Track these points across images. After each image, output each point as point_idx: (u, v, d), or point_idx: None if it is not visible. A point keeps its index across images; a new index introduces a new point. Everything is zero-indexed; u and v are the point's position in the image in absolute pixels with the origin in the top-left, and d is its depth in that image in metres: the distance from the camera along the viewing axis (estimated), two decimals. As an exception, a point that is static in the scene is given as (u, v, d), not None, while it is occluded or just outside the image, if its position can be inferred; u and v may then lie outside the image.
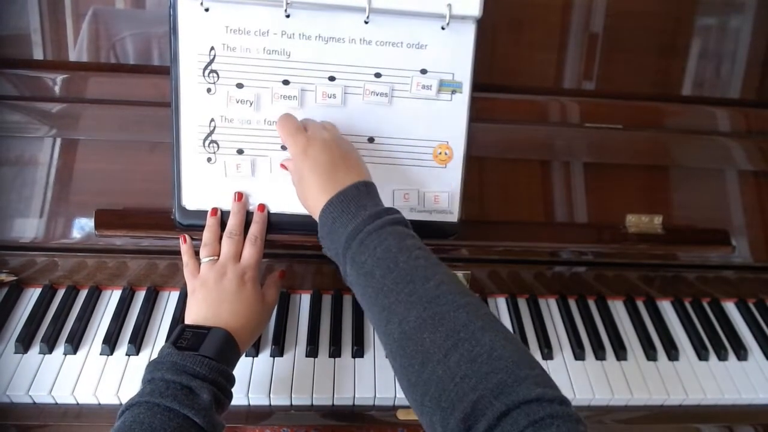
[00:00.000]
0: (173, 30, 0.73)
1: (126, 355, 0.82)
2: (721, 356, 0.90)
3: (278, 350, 0.83)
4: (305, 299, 0.91)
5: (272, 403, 0.79)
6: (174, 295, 0.90)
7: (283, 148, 0.77)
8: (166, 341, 0.65)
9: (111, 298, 0.89)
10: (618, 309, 0.96)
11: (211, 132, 0.76)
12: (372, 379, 0.81)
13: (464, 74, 0.77)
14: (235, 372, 0.66)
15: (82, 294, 0.89)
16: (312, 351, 0.83)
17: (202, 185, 0.78)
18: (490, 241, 0.86)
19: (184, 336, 0.65)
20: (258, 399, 0.78)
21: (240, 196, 0.78)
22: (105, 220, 0.81)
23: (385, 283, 0.57)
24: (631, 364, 0.87)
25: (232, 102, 0.75)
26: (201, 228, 0.77)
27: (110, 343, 0.82)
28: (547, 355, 0.87)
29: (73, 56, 0.82)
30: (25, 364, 0.79)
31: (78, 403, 0.77)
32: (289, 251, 0.86)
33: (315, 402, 0.79)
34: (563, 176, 0.88)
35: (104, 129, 0.81)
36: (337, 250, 0.64)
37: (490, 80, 0.84)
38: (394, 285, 0.57)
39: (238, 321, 0.69)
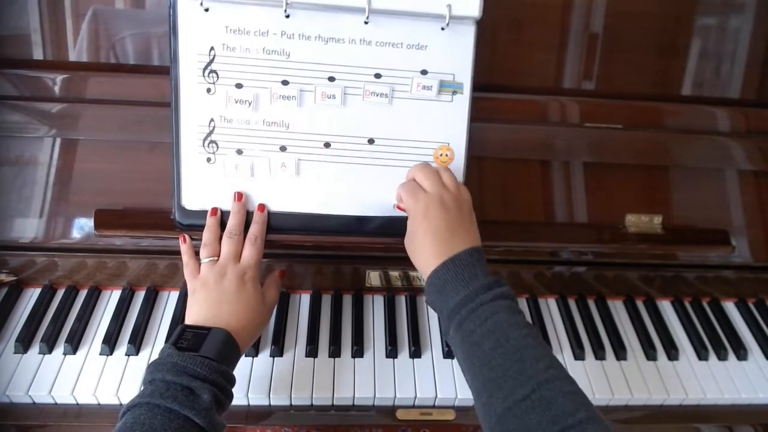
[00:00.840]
0: (173, 30, 0.73)
1: (126, 355, 0.82)
2: (721, 356, 0.90)
3: (278, 350, 0.83)
4: (305, 299, 0.91)
5: (272, 403, 0.79)
6: (174, 295, 0.91)
7: (283, 148, 0.77)
8: (167, 341, 0.65)
9: (111, 298, 0.89)
10: (618, 309, 0.96)
11: (211, 132, 0.76)
12: (372, 379, 0.81)
13: (465, 75, 0.77)
14: (235, 372, 0.67)
15: (82, 294, 0.89)
16: (312, 351, 0.83)
17: (202, 185, 0.78)
18: (490, 241, 0.85)
19: (184, 336, 0.65)
20: (258, 399, 0.79)
21: (240, 196, 0.78)
22: (105, 220, 0.81)
23: (493, 357, 0.59)
24: (630, 364, 0.87)
25: (231, 102, 0.75)
26: (201, 228, 0.77)
27: (110, 343, 0.82)
28: (547, 355, 0.87)
29: (73, 56, 0.82)
30: (25, 364, 0.79)
31: (78, 403, 0.77)
32: (289, 251, 0.87)
33: (315, 402, 0.79)
34: (563, 176, 0.88)
35: (104, 129, 0.81)
36: (442, 310, 0.66)
37: (490, 80, 0.84)
38: (502, 360, 0.58)
39: (239, 321, 0.69)
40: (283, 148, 0.78)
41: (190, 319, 0.69)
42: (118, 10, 0.81)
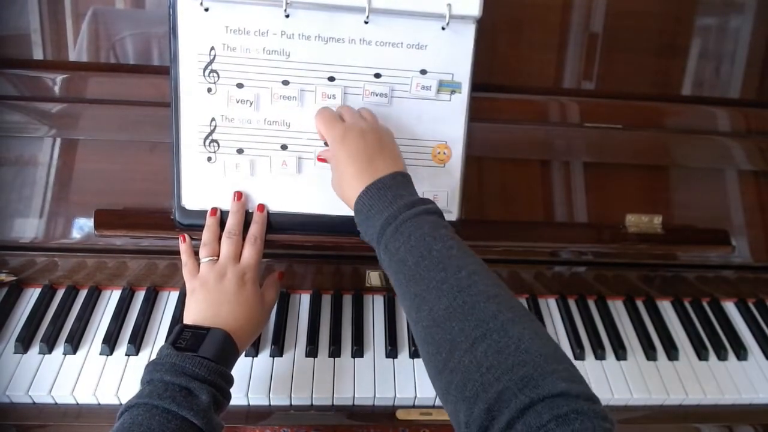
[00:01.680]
0: (173, 30, 0.73)
1: (126, 355, 0.82)
2: (721, 356, 0.90)
3: (278, 350, 0.83)
4: (305, 299, 0.91)
5: (272, 403, 0.79)
6: (174, 295, 0.91)
7: (283, 147, 0.77)
8: (165, 341, 0.65)
9: (111, 298, 0.89)
10: (618, 309, 0.96)
11: (212, 131, 0.77)
12: (372, 379, 0.81)
13: (464, 74, 0.77)
14: (235, 372, 0.67)
15: (82, 294, 0.89)
16: (312, 351, 0.83)
17: (202, 185, 0.78)
18: (490, 240, 0.86)
19: (183, 336, 0.65)
20: (258, 399, 0.79)
21: (239, 196, 0.78)
22: (105, 220, 0.81)
23: (417, 271, 0.58)
24: (630, 364, 0.87)
25: (232, 102, 0.75)
26: (201, 228, 0.77)
27: (110, 343, 0.82)
28: (547, 355, 0.87)
29: (72, 56, 0.82)
30: (25, 364, 0.79)
31: (78, 403, 0.77)
32: (289, 251, 0.86)
33: (315, 402, 0.79)
34: (563, 176, 0.88)
35: (104, 129, 0.81)
36: (372, 236, 0.65)
37: (489, 80, 0.84)
38: (426, 272, 0.57)
39: (238, 321, 0.69)
40: (284, 147, 0.78)
41: (188, 319, 0.69)
42: (118, 10, 0.81)
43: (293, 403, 0.79)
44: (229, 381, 0.65)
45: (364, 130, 0.69)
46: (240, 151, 0.77)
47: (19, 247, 0.84)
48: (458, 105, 0.78)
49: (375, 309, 0.91)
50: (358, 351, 0.84)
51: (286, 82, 0.75)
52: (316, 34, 0.74)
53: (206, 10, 0.72)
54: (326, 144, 0.74)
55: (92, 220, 0.81)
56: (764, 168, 0.91)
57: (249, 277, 0.73)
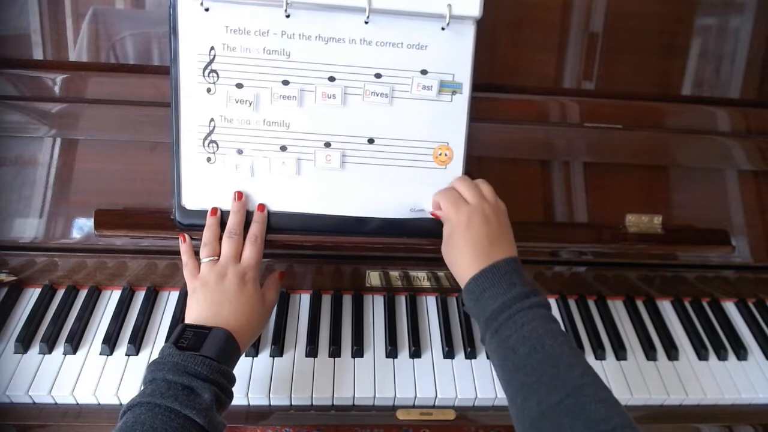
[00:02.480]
0: (173, 30, 0.73)
1: (126, 355, 0.82)
2: (721, 356, 0.90)
3: (278, 350, 0.83)
4: (305, 299, 0.91)
5: (272, 403, 0.79)
6: (174, 295, 0.91)
7: (283, 148, 0.77)
8: (167, 341, 0.65)
9: (111, 298, 0.89)
10: (618, 309, 0.96)
11: (211, 132, 0.76)
12: (372, 379, 0.81)
13: (464, 75, 0.77)
14: (235, 372, 0.67)
15: (82, 294, 0.89)
16: (312, 351, 0.83)
17: (202, 185, 0.78)
18: (490, 241, 0.86)
19: (185, 336, 0.65)
20: (258, 399, 0.79)
21: (240, 196, 0.78)
22: (105, 220, 0.81)
23: (528, 362, 0.61)
24: (630, 364, 0.87)
25: (231, 102, 0.75)
26: (201, 228, 0.77)
27: (110, 343, 0.82)
28: (547, 355, 0.87)
29: (73, 56, 0.82)
30: (25, 364, 0.79)
31: (78, 403, 0.77)
32: (289, 251, 0.86)
33: (315, 402, 0.79)
34: (563, 176, 0.88)
35: (104, 129, 0.81)
36: (480, 317, 0.67)
37: (490, 80, 0.84)
38: (538, 365, 0.60)
39: (239, 321, 0.69)
40: (283, 148, 0.78)
41: (190, 319, 0.69)
42: (118, 10, 0.81)
43: (293, 403, 0.79)
44: (231, 380, 0.65)
45: (488, 217, 0.71)
46: (239, 151, 0.77)
47: (19, 247, 0.84)
48: (459, 105, 0.78)
49: (375, 309, 0.91)
50: (358, 351, 0.84)
51: (286, 82, 0.75)
52: (316, 34, 0.74)
53: (206, 10, 0.72)
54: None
55: (92, 220, 0.81)
56: (764, 168, 0.91)
57: (250, 277, 0.73)
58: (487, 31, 0.80)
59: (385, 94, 0.77)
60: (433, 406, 0.81)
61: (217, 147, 0.77)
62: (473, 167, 0.83)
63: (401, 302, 0.93)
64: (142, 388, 0.61)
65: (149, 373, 0.61)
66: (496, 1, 0.77)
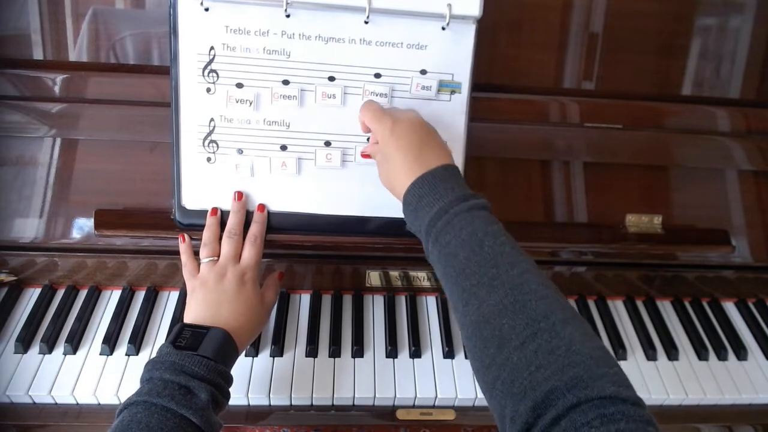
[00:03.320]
0: (173, 30, 0.73)
1: (126, 355, 0.82)
2: (721, 356, 0.90)
3: (278, 350, 0.83)
4: (305, 299, 0.91)
5: (272, 403, 0.79)
6: (174, 295, 0.91)
7: (283, 148, 0.77)
8: (165, 340, 0.65)
9: (111, 298, 0.89)
10: (618, 309, 0.96)
11: (211, 132, 0.76)
12: (372, 379, 0.81)
13: (464, 75, 0.77)
14: (235, 372, 0.67)
15: (82, 294, 0.89)
16: (312, 351, 0.83)
17: (202, 185, 0.78)
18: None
19: (183, 335, 0.65)
20: (258, 399, 0.79)
21: (240, 196, 0.78)
22: (105, 220, 0.81)
23: (468, 265, 0.58)
24: (630, 364, 0.87)
25: (231, 102, 0.75)
26: (201, 228, 0.77)
27: (110, 343, 0.82)
28: (547, 355, 0.87)
29: (73, 56, 0.82)
30: (25, 364, 0.79)
31: (78, 403, 0.77)
32: (289, 251, 0.86)
33: (315, 402, 0.79)
34: (563, 176, 0.88)
35: (104, 129, 0.81)
36: (420, 227, 0.64)
37: (490, 80, 0.84)
38: (477, 268, 0.57)
39: (238, 321, 0.69)
40: (283, 148, 0.78)
41: (188, 318, 0.69)
42: (118, 10, 0.81)
43: (293, 403, 0.79)
44: (229, 380, 0.65)
45: (413, 122, 0.68)
46: (240, 151, 0.77)
47: (19, 247, 0.84)
48: (458, 105, 0.78)
49: (375, 309, 0.91)
50: (358, 351, 0.84)
51: (286, 82, 0.75)
52: (316, 34, 0.74)
53: (206, 9, 0.72)
54: (368, 140, 0.74)
55: (92, 220, 0.81)
56: (764, 168, 0.91)
57: (249, 277, 0.73)
58: (487, 31, 0.80)
59: (384, 93, 0.77)
60: (433, 406, 0.81)
61: (217, 147, 0.77)
62: (473, 167, 0.83)
63: (401, 302, 0.93)
64: (140, 386, 0.61)
65: (146, 372, 0.61)
66: (496, 1, 0.77)
